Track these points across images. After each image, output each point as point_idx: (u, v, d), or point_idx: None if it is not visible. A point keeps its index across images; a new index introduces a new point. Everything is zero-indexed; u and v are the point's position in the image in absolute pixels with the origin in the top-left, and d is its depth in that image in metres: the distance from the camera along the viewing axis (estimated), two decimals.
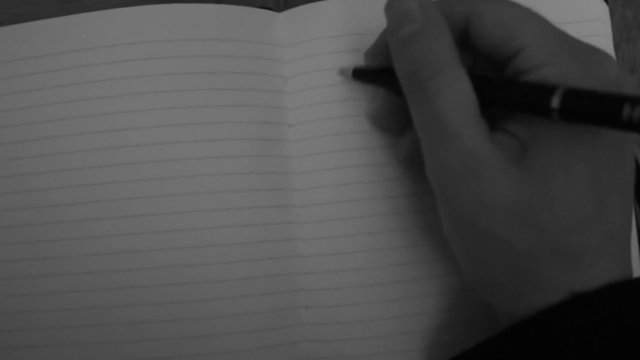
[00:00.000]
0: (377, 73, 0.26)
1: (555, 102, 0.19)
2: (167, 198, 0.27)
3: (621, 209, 0.20)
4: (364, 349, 0.27)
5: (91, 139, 0.28)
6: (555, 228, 0.19)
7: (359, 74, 0.27)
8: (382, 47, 0.25)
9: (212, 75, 0.28)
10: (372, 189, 0.28)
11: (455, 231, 0.22)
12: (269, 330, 0.27)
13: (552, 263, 0.20)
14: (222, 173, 0.27)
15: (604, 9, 0.29)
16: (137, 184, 0.27)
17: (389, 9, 0.22)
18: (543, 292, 0.20)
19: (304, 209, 0.28)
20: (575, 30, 0.22)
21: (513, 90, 0.21)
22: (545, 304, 0.20)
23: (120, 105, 0.28)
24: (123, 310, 0.27)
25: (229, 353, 0.27)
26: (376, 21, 0.26)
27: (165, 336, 0.27)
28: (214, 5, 0.28)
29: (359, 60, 0.28)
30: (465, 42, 0.23)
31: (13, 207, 0.28)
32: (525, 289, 0.20)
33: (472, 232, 0.21)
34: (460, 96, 0.21)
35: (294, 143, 0.28)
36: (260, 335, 0.27)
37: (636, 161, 0.22)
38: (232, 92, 0.28)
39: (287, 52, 0.29)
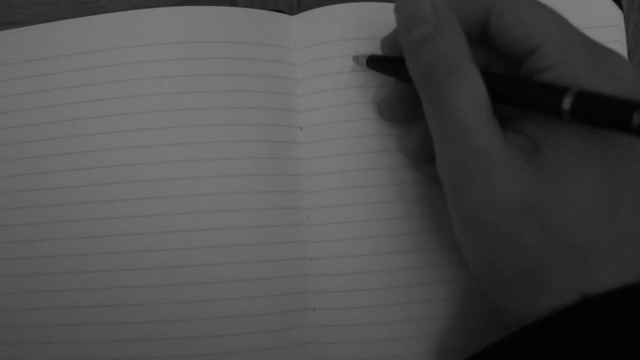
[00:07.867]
0: (392, 62, 0.26)
1: (566, 103, 0.19)
2: (178, 198, 0.27)
3: (634, 213, 0.20)
4: (372, 351, 0.27)
5: (106, 139, 0.28)
6: (567, 227, 0.19)
7: (374, 63, 0.27)
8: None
9: (224, 77, 0.28)
10: (382, 192, 0.28)
11: (466, 229, 0.22)
12: (277, 331, 0.27)
13: (563, 262, 0.20)
14: (232, 174, 0.28)
15: (619, 15, 0.29)
16: (150, 184, 0.28)
17: (399, 9, 0.22)
18: (553, 292, 0.20)
19: (313, 211, 0.28)
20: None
21: (526, 89, 0.21)
22: (555, 305, 0.20)
23: (134, 106, 0.28)
24: (133, 309, 0.27)
25: (237, 354, 0.27)
26: (389, 25, 0.26)
27: (173, 335, 0.27)
28: (228, 8, 0.29)
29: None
30: (483, 38, 0.23)
31: (29, 204, 0.28)
32: (535, 289, 0.20)
33: (483, 231, 0.21)
34: (473, 96, 0.21)
35: (305, 145, 0.29)
36: (268, 337, 0.27)
37: None
38: (244, 94, 0.28)
39: (300, 55, 0.29)
